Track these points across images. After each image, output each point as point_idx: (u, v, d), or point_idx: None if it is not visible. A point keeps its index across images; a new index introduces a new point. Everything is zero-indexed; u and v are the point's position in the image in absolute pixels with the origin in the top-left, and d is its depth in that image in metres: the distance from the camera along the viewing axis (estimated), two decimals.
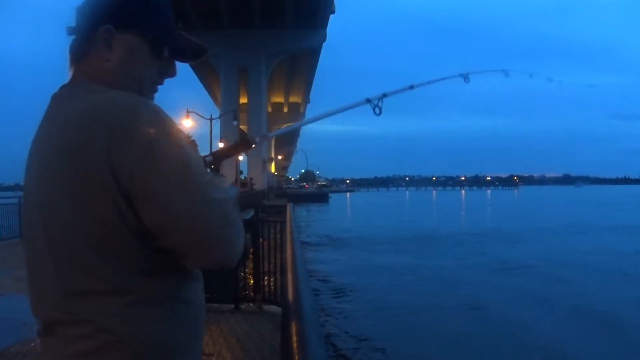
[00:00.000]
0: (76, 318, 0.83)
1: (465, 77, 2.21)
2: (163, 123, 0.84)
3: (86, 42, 0.94)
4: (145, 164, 0.80)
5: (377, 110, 1.77)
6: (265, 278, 5.35)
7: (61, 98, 0.92)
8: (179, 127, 0.88)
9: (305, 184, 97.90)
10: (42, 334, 0.90)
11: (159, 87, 1.04)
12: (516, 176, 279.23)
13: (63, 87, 0.95)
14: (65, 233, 0.83)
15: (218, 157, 1.19)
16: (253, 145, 1.30)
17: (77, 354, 0.83)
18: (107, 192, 0.80)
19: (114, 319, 0.82)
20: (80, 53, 0.95)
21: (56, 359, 0.86)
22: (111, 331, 0.82)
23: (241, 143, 1.29)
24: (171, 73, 1.03)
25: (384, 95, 1.83)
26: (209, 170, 1.14)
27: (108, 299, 0.82)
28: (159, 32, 0.98)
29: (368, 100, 1.78)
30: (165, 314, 0.86)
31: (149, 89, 1.00)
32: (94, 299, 0.82)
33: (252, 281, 5.55)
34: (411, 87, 2.02)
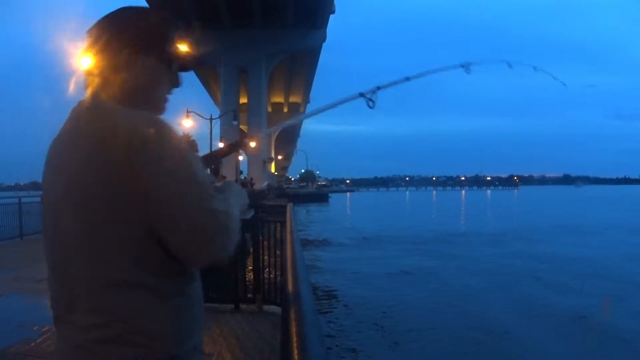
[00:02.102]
0: (96, 307, 0.94)
1: (467, 68, 2.12)
2: (174, 141, 0.97)
3: (108, 64, 1.04)
4: (161, 176, 0.93)
5: (370, 103, 1.74)
6: (266, 278, 5.35)
7: (86, 113, 1.01)
8: (182, 140, 1.01)
9: (304, 184, 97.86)
10: (58, 323, 1.01)
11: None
12: (516, 176, 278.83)
13: (84, 102, 1.04)
14: (96, 232, 0.94)
15: (208, 161, 1.25)
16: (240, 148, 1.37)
17: (94, 340, 0.94)
18: (133, 198, 0.93)
19: (131, 311, 0.94)
20: (102, 74, 1.04)
21: (72, 345, 0.96)
22: (127, 321, 0.94)
23: (230, 146, 1.36)
24: (177, 84, 1.16)
25: (378, 88, 1.81)
26: (208, 171, 1.25)
27: (127, 292, 0.94)
28: (171, 53, 1.11)
29: (361, 95, 1.79)
30: (172, 308, 0.99)
31: (164, 101, 1.14)
32: (115, 291, 0.94)
33: (252, 281, 5.55)
34: (407, 79, 1.96)
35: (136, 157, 0.92)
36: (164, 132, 0.96)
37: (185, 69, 1.17)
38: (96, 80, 1.05)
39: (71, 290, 0.97)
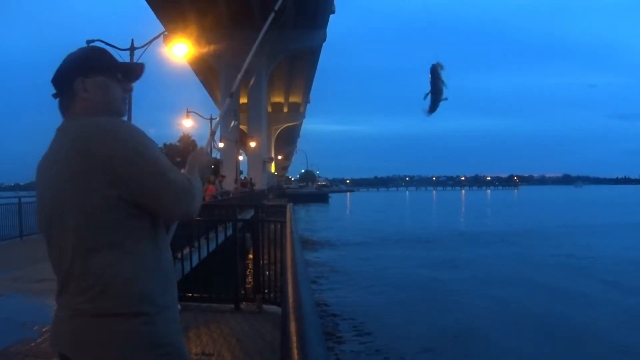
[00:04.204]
0: (83, 273, 1.21)
1: None
2: (133, 133, 1.27)
3: (70, 95, 1.36)
4: (129, 160, 1.23)
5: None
6: (266, 278, 5.35)
7: (64, 130, 1.33)
8: (142, 132, 1.30)
9: (304, 184, 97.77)
10: (59, 296, 1.27)
11: (126, 98, 1.48)
12: (516, 176, 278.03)
13: (63, 122, 1.36)
14: (85, 212, 1.21)
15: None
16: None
17: (83, 302, 1.20)
18: (111, 177, 1.21)
19: (107, 269, 1.20)
20: (69, 104, 1.37)
21: (69, 312, 1.22)
22: (105, 279, 1.20)
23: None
24: (129, 89, 1.47)
25: None
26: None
27: (103, 254, 1.21)
28: (111, 67, 1.41)
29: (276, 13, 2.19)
30: (139, 263, 1.24)
31: (122, 104, 1.44)
32: (94, 256, 1.21)
33: (252, 281, 5.55)
34: None
35: (111, 149, 1.22)
36: (130, 129, 1.29)
37: (129, 76, 1.47)
38: (70, 109, 1.36)
39: (65, 265, 1.24)
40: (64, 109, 1.38)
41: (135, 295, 1.21)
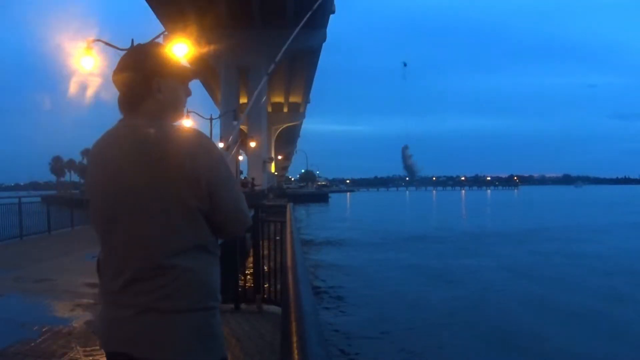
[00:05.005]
0: (160, 273, 1.23)
1: None
2: (216, 148, 1.34)
3: (141, 94, 1.35)
4: (217, 175, 1.30)
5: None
6: (265, 278, 5.35)
7: (136, 129, 1.31)
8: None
9: (304, 184, 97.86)
10: (117, 296, 1.26)
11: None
12: (516, 176, 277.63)
13: (129, 120, 1.35)
14: (163, 217, 1.24)
15: None
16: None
17: (158, 299, 1.22)
18: (194, 188, 1.26)
19: (193, 269, 1.25)
20: (137, 102, 1.35)
21: (136, 309, 1.23)
22: (187, 278, 1.24)
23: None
24: (190, 93, 1.47)
25: None
26: None
27: (190, 256, 1.26)
28: (182, 73, 1.43)
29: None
30: (216, 265, 1.34)
31: (184, 108, 1.48)
32: (180, 257, 1.25)
33: (252, 281, 5.55)
34: None
35: (198, 161, 1.26)
36: (212, 143, 1.34)
37: (191, 79, 1.48)
38: (137, 106, 1.35)
39: (133, 263, 1.25)
40: (130, 105, 1.36)
41: (210, 292, 1.30)
